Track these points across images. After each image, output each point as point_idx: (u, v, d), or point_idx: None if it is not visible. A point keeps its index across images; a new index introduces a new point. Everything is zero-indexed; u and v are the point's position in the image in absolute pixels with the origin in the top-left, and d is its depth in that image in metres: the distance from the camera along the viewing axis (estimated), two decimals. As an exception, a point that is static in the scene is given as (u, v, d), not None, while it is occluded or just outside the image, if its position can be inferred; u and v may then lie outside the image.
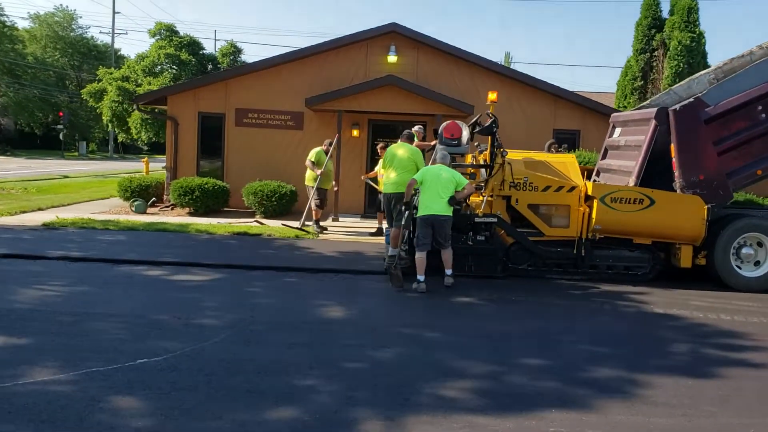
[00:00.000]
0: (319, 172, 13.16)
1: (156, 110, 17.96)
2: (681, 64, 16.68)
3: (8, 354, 5.61)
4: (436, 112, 14.95)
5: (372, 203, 15.50)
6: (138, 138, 39.41)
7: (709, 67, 17.68)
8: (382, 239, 12.72)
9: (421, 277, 8.53)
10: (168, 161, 16.70)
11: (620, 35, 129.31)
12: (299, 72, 16.36)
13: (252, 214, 15.46)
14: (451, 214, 8.67)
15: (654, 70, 17.98)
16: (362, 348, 6.24)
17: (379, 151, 12.92)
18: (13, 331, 6.20)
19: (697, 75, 10.97)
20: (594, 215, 9.20)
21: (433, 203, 8.55)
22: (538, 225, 9.46)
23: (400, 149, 9.31)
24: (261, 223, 13.99)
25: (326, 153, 13.56)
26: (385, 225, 11.70)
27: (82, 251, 10.34)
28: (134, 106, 35.14)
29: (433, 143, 11.27)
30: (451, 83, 15.96)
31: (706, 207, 9.09)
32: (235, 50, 42.57)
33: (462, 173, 9.82)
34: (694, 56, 16.99)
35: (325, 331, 6.77)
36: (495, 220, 9.32)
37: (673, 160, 9.19)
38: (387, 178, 9.42)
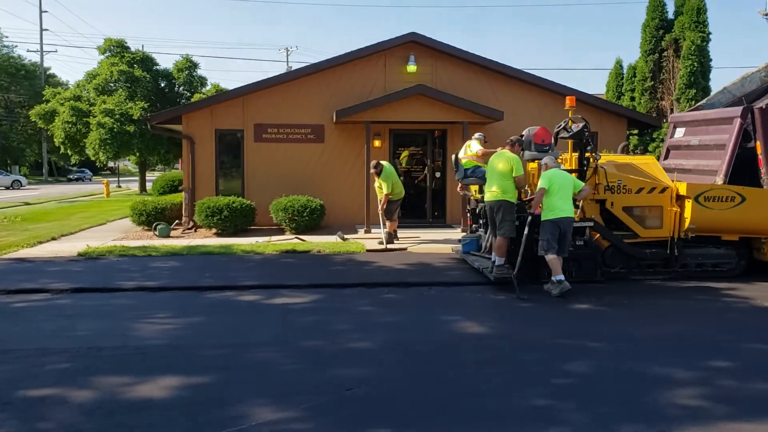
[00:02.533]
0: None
1: (169, 129, 17.27)
2: (695, 64, 17.22)
3: (203, 394, 5.28)
4: (464, 120, 14.95)
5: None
6: (96, 158, 38.03)
7: (712, 66, 18.39)
8: (441, 248, 12.64)
9: (561, 277, 8.56)
10: (185, 181, 16.10)
11: (587, 38, 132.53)
12: (318, 85, 16.10)
13: (280, 231, 15.09)
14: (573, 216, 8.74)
15: (664, 71, 18.50)
16: (551, 362, 6.13)
17: (453, 160, 12.71)
18: (182, 370, 5.83)
19: (748, 73, 11.32)
20: (688, 215, 9.34)
21: (565, 205, 8.61)
22: (633, 227, 9.55)
23: (499, 163, 9.20)
24: (302, 240, 13.65)
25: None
26: (461, 234, 11.74)
27: (153, 280, 9.86)
28: (93, 126, 34.23)
29: (499, 149, 11.23)
30: (470, 91, 15.99)
31: (794, 202, 9.37)
32: (191, 65, 41.54)
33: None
34: (705, 56, 17.58)
35: (492, 348, 6.64)
36: (592, 224, 9.36)
37: (759, 156, 9.44)
38: (488, 188, 9.32)
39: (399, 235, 13.85)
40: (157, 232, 14.81)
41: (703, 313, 8.13)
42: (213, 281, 9.80)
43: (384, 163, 13.20)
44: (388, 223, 13.20)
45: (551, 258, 8.61)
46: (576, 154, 9.89)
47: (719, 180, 9.63)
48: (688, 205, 9.35)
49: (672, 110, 18.16)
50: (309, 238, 13.94)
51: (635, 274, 9.79)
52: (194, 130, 15.88)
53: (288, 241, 13.61)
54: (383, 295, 9.05)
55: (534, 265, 9.48)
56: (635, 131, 17.39)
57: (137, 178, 53.22)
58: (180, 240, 14.15)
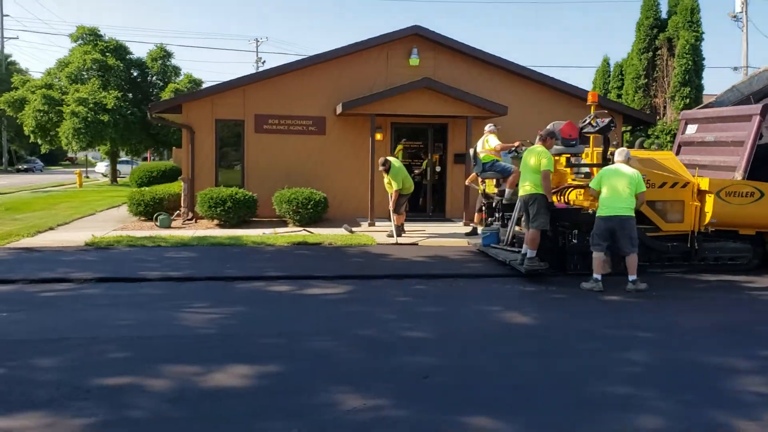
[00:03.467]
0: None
1: (166, 119, 16.94)
2: (689, 63, 17.63)
3: (281, 383, 5.28)
4: (468, 114, 15.05)
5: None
6: (68, 148, 37.26)
7: (704, 65, 18.81)
8: (450, 241, 12.72)
9: (598, 276, 8.64)
10: (185, 171, 15.87)
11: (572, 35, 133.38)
12: (319, 76, 16.01)
13: (283, 223, 15.00)
14: (633, 215, 8.71)
15: (657, 69, 18.87)
16: (611, 352, 6.25)
17: (471, 154, 12.78)
18: (247, 359, 5.78)
19: (756, 72, 11.65)
20: (710, 209, 9.56)
21: (615, 203, 8.64)
22: (655, 221, 9.74)
23: (531, 159, 9.26)
24: (310, 232, 13.59)
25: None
26: (479, 227, 11.93)
27: (175, 270, 9.73)
28: (66, 115, 33.39)
29: (517, 143, 11.36)
30: (471, 85, 16.05)
31: (812, 198, 9.66)
32: (165, 54, 40.86)
33: (576, 172, 9.99)
34: (698, 54, 17.99)
35: (545, 338, 6.73)
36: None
37: (777, 153, 9.72)
38: (522, 183, 9.39)
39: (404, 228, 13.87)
40: (158, 223, 14.58)
41: (734, 305, 8.34)
42: (237, 272, 9.70)
43: (392, 159, 13.20)
44: (395, 217, 13.21)
45: (594, 255, 8.74)
46: (598, 150, 10.03)
47: (738, 176, 9.88)
48: (710, 199, 9.57)
49: (665, 108, 18.55)
50: (316, 230, 13.89)
51: (655, 267, 9.98)
52: (194, 120, 15.67)
53: (296, 233, 13.53)
54: (414, 287, 9.07)
55: (561, 257, 9.61)
56: (629, 127, 17.71)
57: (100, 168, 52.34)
58: (183, 231, 13.95)
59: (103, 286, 8.75)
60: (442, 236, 13.53)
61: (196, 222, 15.31)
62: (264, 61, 68.93)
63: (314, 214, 14.69)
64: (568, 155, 10.00)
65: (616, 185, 8.67)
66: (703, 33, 17.94)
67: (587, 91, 16.78)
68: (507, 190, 11.13)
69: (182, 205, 15.92)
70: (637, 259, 8.75)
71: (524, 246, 9.38)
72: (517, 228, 10.57)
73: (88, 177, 48.65)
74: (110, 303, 7.87)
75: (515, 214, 10.41)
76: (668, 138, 17.04)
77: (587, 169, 10.09)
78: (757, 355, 6.17)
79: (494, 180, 11.65)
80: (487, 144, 11.55)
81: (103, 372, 5.39)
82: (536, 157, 9.16)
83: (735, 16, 34.85)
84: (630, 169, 8.78)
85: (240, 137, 15.93)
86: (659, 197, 9.70)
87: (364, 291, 8.77)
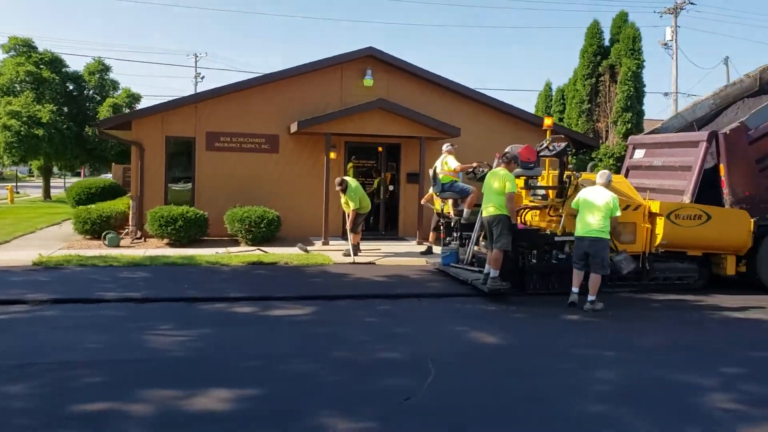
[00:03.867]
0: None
1: (115, 136, 16.56)
2: (631, 89, 18.38)
3: (266, 406, 5.27)
4: (422, 135, 15.28)
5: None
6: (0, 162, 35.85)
7: (645, 91, 19.62)
8: (407, 260, 12.82)
9: (575, 290, 9.14)
10: (133, 189, 15.51)
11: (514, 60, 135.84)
12: (273, 95, 15.99)
13: (234, 242, 14.83)
14: (606, 237, 9.02)
15: (600, 94, 19.59)
16: (582, 371, 6.46)
17: (429, 174, 12.95)
18: (227, 382, 5.72)
19: (699, 100, 12.29)
20: (660, 231, 9.98)
21: (585, 225, 9.04)
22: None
23: (495, 182, 9.45)
24: (264, 251, 13.49)
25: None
26: (434, 246, 12.06)
27: (133, 291, 9.51)
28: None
29: (475, 164, 11.59)
30: (423, 106, 16.24)
31: (752, 220, 10.20)
32: (103, 67, 39.95)
33: (533, 194, 10.28)
34: (639, 81, 18.78)
35: (517, 358, 6.92)
36: (573, 238, 9.81)
37: (722, 178, 10.25)
38: (486, 205, 9.56)
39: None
40: (106, 242, 14.18)
41: (687, 324, 8.73)
42: (197, 293, 9.55)
43: (348, 179, 13.28)
44: (351, 236, 13.26)
45: (574, 271, 9.20)
46: (554, 172, 10.36)
47: (686, 199, 10.37)
48: (660, 222, 10.00)
49: (607, 132, 19.26)
50: (270, 250, 13.79)
51: (606, 287, 10.32)
52: (144, 137, 15.37)
53: (250, 252, 13.41)
54: (379, 307, 9.14)
55: (520, 277, 9.85)
56: (573, 151, 18.28)
57: (27, 183, 50.45)
58: (133, 250, 13.63)
59: (61, 308, 8.49)
60: (398, 255, 13.64)
61: (145, 241, 14.97)
62: (203, 77, 68.32)
63: (267, 232, 14.58)
64: (526, 177, 10.28)
65: (592, 207, 9.02)
66: (644, 61, 18.83)
67: (533, 115, 17.36)
68: (465, 210, 11.35)
69: (130, 223, 15.56)
70: (600, 281, 9.06)
71: (487, 266, 9.56)
72: (476, 248, 10.78)
73: (18, 192, 46.87)
74: (72, 325, 7.65)
75: (474, 234, 10.63)
76: (611, 161, 17.69)
77: (543, 191, 10.40)
78: (719, 372, 6.48)
79: (450, 200, 11.86)
80: (446, 165, 11.75)
81: (79, 398, 5.25)
82: (500, 180, 9.38)
83: (666, 44, 36.45)
84: (607, 193, 9.10)
85: (191, 155, 15.70)
86: (613, 219, 10.05)
87: (330, 312, 8.77)
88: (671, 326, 8.59)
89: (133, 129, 15.35)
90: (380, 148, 16.73)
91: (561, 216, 10.06)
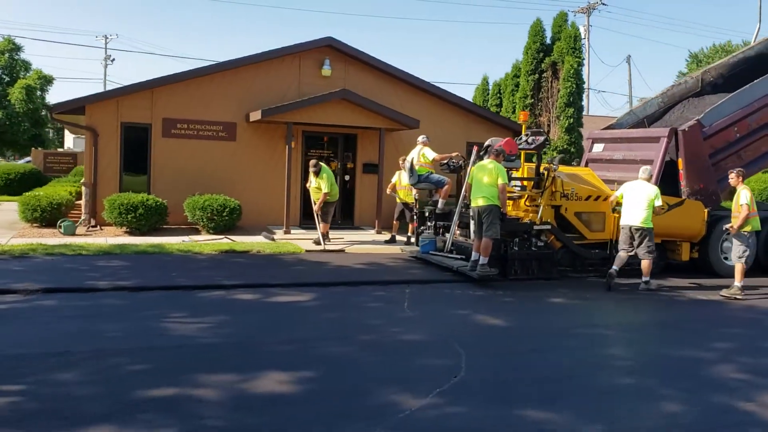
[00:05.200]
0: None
1: (67, 121, 15.87)
2: (573, 86, 19.27)
3: (329, 386, 5.47)
4: (382, 126, 15.54)
5: (307, 215, 15.45)
6: None
7: (586, 87, 20.57)
8: (376, 248, 13.10)
9: (615, 268, 10.07)
10: (87, 176, 14.99)
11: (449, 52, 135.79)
12: (231, 82, 15.82)
13: (195, 231, 14.66)
14: (650, 226, 9.90)
15: (543, 90, 20.41)
16: (592, 348, 6.98)
17: (400, 163, 13.25)
18: (278, 366, 5.87)
19: (649, 98, 13.17)
20: (625, 220, 10.69)
21: (631, 213, 9.96)
22: (582, 230, 10.75)
23: (485, 176, 9.82)
24: (232, 240, 13.43)
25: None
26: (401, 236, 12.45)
27: (120, 280, 9.37)
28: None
29: (455, 154, 12.02)
30: (379, 97, 16.47)
31: (706, 210, 11.09)
32: (13, 47, 37.89)
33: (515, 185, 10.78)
34: (580, 78, 19.71)
35: (528, 337, 7.38)
36: (549, 227, 10.39)
37: (681, 171, 11.07)
38: (475, 197, 9.93)
39: (309, 235, 14.07)
40: (62, 230, 13.70)
41: (662, 304, 9.47)
42: (188, 281, 9.48)
43: (322, 163, 13.42)
44: (321, 225, 13.41)
45: (618, 255, 10.21)
46: (531, 165, 10.91)
47: (649, 191, 11.12)
48: (625, 212, 10.72)
49: (549, 125, 20.15)
50: (235, 238, 13.73)
51: (576, 272, 10.99)
52: (98, 123, 14.89)
53: (219, 240, 13.33)
54: (375, 293, 9.40)
55: (503, 263, 10.33)
56: (549, 144, 19.06)
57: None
58: (93, 238, 13.24)
59: (56, 297, 8.29)
60: (364, 243, 13.89)
61: (101, 229, 14.55)
62: (113, 59, 65.68)
63: (229, 221, 14.49)
64: (507, 169, 10.76)
65: (636, 199, 9.92)
66: (584, 59, 19.79)
67: (485, 109, 17.97)
68: (440, 201, 11.74)
69: (84, 211, 15.06)
70: (651, 264, 10.06)
71: (474, 253, 9.99)
72: (454, 236, 11.20)
73: None
74: (80, 315, 7.51)
75: (454, 224, 11.03)
76: (554, 154, 18.53)
77: (519, 183, 10.95)
78: (712, 347, 7.16)
79: (414, 191, 12.42)
80: (423, 157, 12.09)
81: (139, 384, 5.25)
82: (492, 172, 9.79)
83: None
84: (650, 187, 9.99)
85: (147, 141, 15.33)
86: (585, 209, 10.74)
87: (331, 298, 8.95)
88: (648, 307, 9.29)
89: (87, 114, 14.83)
90: (342, 138, 16.87)
91: (538, 206, 10.60)
